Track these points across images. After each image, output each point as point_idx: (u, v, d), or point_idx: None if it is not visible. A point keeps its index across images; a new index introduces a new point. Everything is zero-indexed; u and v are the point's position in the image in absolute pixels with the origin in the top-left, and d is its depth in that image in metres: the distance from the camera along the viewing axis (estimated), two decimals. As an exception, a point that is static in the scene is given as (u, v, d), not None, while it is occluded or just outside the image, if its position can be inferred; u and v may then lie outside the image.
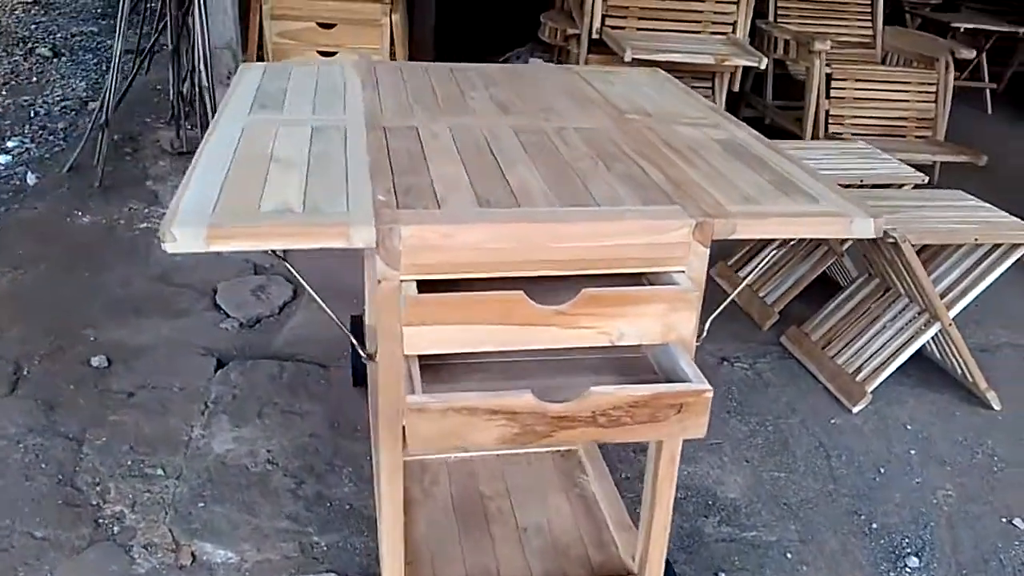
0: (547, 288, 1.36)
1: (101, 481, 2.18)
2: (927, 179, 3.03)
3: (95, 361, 2.66)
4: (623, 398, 1.28)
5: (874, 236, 1.40)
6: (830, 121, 4.50)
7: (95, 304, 2.99)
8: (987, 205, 2.76)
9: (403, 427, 1.27)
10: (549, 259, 1.35)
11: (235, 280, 3.20)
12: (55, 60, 5.38)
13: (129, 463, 2.24)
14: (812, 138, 4.46)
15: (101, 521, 2.06)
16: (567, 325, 1.32)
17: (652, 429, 1.32)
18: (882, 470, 2.41)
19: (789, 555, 2.08)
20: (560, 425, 1.28)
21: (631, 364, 1.47)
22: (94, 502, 2.11)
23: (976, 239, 2.54)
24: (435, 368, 1.40)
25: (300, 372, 2.67)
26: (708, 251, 1.39)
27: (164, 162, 4.01)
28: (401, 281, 1.32)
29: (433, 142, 1.67)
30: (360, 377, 2.56)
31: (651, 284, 1.40)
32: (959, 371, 2.75)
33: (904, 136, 4.59)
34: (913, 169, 3.09)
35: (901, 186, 3.02)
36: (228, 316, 2.99)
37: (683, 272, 1.39)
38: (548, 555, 1.80)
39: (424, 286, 1.32)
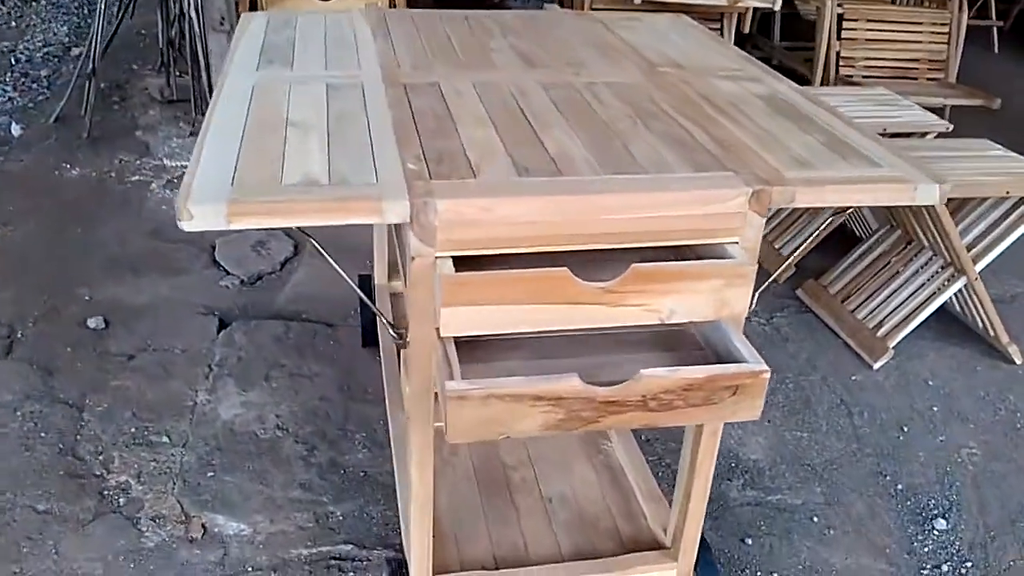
0: (589, 263, 1.27)
1: (104, 450, 2.10)
2: (951, 127, 2.93)
3: (92, 322, 2.57)
4: (677, 381, 1.21)
5: (938, 203, 1.32)
6: (841, 63, 4.38)
7: (89, 262, 2.88)
8: (1014, 155, 2.67)
9: (443, 415, 1.19)
10: (595, 232, 1.26)
11: (234, 235, 3.09)
12: (34, 3, 5.14)
13: (133, 430, 2.17)
14: (822, 81, 4.34)
15: (106, 493, 1.99)
16: (614, 303, 1.24)
17: (705, 412, 1.24)
18: (905, 428, 2.36)
19: (816, 519, 2.04)
20: (608, 410, 1.20)
21: (674, 338, 1.40)
22: (98, 472, 2.04)
23: (1008, 192, 2.46)
24: (469, 345, 1.31)
25: (306, 332, 2.58)
26: (763, 221, 1.30)
27: (154, 111, 3.85)
28: (436, 258, 1.22)
29: (458, 101, 1.56)
30: (370, 338, 2.48)
31: (699, 257, 1.31)
32: (980, 324, 2.69)
33: (916, 79, 4.47)
34: (935, 116, 2.99)
35: (924, 134, 2.92)
36: (228, 273, 2.88)
37: (736, 243, 1.30)
38: (575, 528, 1.75)
39: (460, 263, 1.23)
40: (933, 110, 3.21)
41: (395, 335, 1.34)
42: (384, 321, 1.36)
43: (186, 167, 1.26)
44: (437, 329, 1.27)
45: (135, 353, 2.46)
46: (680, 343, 1.39)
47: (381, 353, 2.27)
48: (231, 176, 1.20)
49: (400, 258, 1.47)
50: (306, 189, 1.19)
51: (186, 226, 1.13)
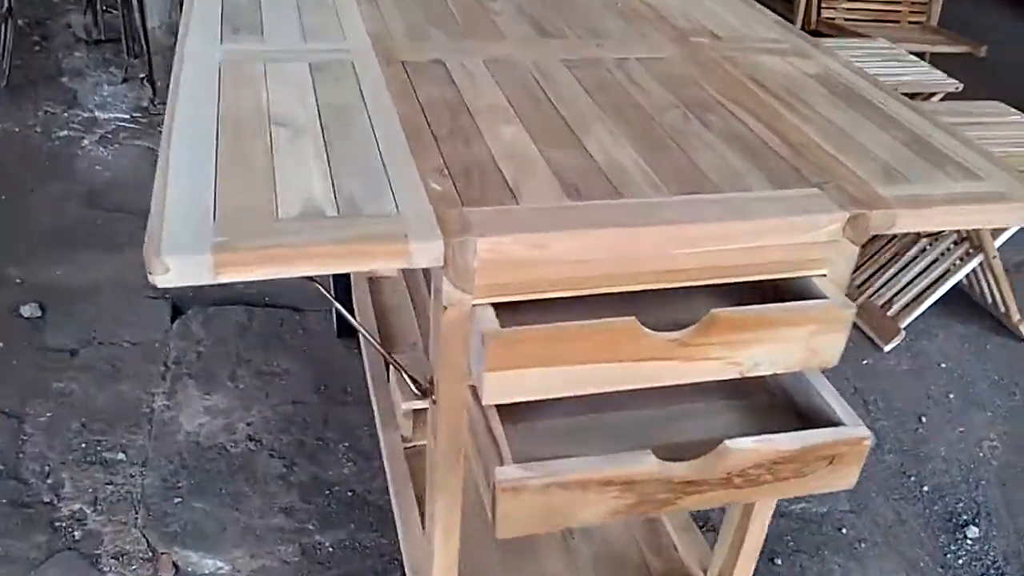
0: (643, 304, 1.05)
1: (52, 470, 1.84)
2: (961, 86, 2.74)
3: (26, 310, 2.26)
4: (768, 454, 1.01)
5: (1054, 226, 1.12)
6: (823, 4, 4.15)
7: (17, 237, 2.55)
8: (1033, 120, 2.50)
9: (489, 504, 0.97)
10: (665, 270, 1.03)
11: (181, 201, 2.77)
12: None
13: (83, 445, 1.90)
14: (803, 26, 4.11)
15: (58, 524, 1.74)
16: (689, 357, 1.02)
17: (795, 486, 1.05)
18: (923, 419, 2.23)
19: (844, 530, 1.90)
20: (686, 491, 1.00)
21: (741, 383, 1.19)
22: (47, 499, 1.78)
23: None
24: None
25: (272, 320, 2.32)
26: (857, 250, 1.09)
27: (79, 52, 3.44)
28: (474, 306, 0.99)
29: (471, 85, 1.29)
30: (345, 328, 2.23)
31: (781, 293, 1.10)
32: (990, 301, 2.56)
33: (898, 22, 4.28)
34: (943, 74, 2.80)
35: (931, 95, 2.74)
36: (178, 248, 2.58)
37: (824, 276, 1.09)
38: (600, 566, 1.56)
39: (500, 308, 1.00)
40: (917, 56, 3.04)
41: (417, 392, 1.10)
42: (404, 375, 1.12)
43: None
44: (472, 386, 1.05)
45: (78, 347, 2.17)
46: (747, 386, 1.19)
47: (361, 350, 2.03)
48: (211, 205, 0.94)
49: (413, 292, 1.23)
50: (310, 225, 0.93)
51: (159, 281, 0.87)
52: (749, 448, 1.00)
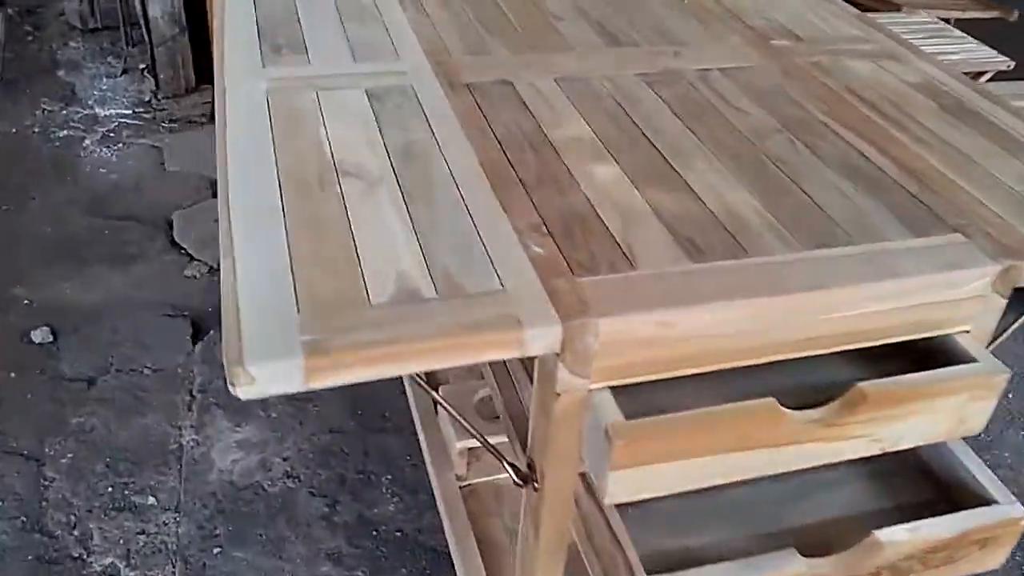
0: (762, 373, 0.93)
1: (78, 520, 1.72)
2: (1012, 64, 2.60)
3: (37, 336, 2.12)
4: (921, 544, 0.89)
5: None
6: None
7: (21, 251, 2.40)
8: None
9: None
10: (798, 339, 0.91)
11: (192, 206, 2.62)
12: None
13: (109, 489, 1.78)
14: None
15: (90, 580, 1.62)
16: (830, 437, 0.90)
17: (943, 573, 0.94)
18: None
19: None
20: (833, 589, 0.89)
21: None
22: (75, 553, 1.66)
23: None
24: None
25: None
26: (1004, 304, 0.97)
27: (75, 42, 3.26)
28: (590, 391, 0.86)
29: (547, 111, 1.16)
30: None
31: (922, 354, 0.97)
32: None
33: (922, -14, 4.11)
34: (993, 51, 2.66)
35: (980, 74, 2.60)
36: (193, 259, 2.44)
37: (967, 332, 0.97)
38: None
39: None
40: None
41: (518, 480, 0.97)
42: (504, 463, 0.99)
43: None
44: (583, 474, 0.93)
45: (95, 376, 2.04)
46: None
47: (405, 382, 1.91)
48: (291, 294, 0.80)
49: (512, 371, 1.10)
50: (408, 312, 0.80)
51: (243, 392, 0.74)
52: (902, 540, 0.89)
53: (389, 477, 1.85)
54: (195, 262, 2.42)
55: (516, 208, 0.95)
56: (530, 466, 0.97)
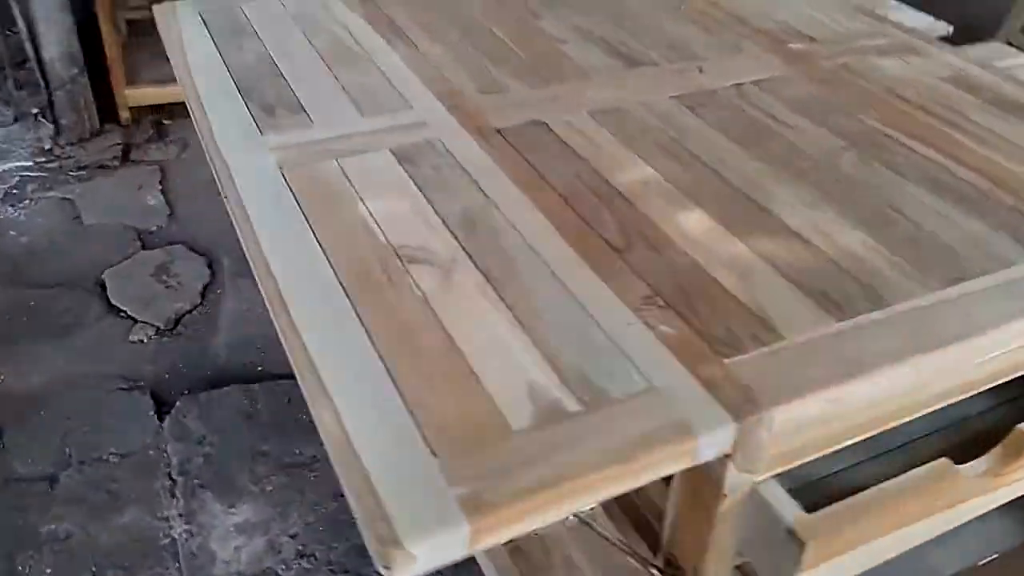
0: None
1: (73, 645, 1.52)
2: (951, 29, 2.62)
3: (-23, 434, 1.88)
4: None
5: None
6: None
7: (-61, 338, 2.13)
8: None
9: None
10: (952, 387, 0.83)
11: (123, 262, 2.39)
12: None
13: (101, 604, 1.59)
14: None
15: None
16: (996, 487, 0.83)
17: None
18: None
19: None
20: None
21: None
22: None
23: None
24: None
25: (278, 397, 2.01)
26: None
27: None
28: (755, 483, 0.76)
29: (594, 150, 1.04)
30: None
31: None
32: None
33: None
34: (929, 16, 2.67)
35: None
36: (136, 321, 2.21)
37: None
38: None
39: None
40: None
41: (655, 571, 0.87)
42: (651, 570, 0.88)
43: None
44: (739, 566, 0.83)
45: (56, 472, 1.82)
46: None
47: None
48: (415, 432, 0.67)
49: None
50: (560, 435, 0.68)
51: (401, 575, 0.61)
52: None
53: (409, 540, 1.71)
54: (139, 324, 2.20)
55: (618, 279, 0.84)
56: (669, 562, 0.87)
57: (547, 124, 1.10)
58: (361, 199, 0.93)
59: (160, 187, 2.71)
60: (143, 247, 2.43)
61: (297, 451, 1.88)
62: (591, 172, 1.01)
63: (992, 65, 1.31)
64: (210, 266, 2.39)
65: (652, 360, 0.75)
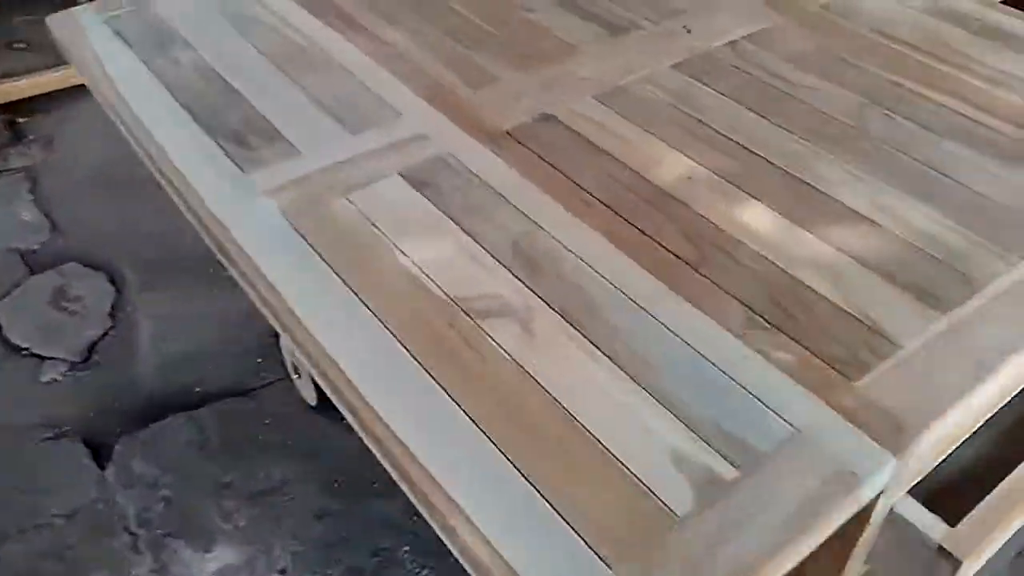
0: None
1: None
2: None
3: None
4: None
5: None
6: None
7: None
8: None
9: None
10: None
11: (12, 293, 2.12)
12: None
13: None
14: None
15: None
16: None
17: None
18: None
19: None
20: None
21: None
22: None
23: None
24: None
25: (226, 420, 1.84)
26: None
27: None
28: (894, 504, 0.72)
29: (618, 143, 0.95)
30: (323, 395, 1.82)
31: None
32: None
33: None
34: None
35: None
36: (44, 358, 1.97)
37: None
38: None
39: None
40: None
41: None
42: None
43: None
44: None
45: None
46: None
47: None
48: (573, 541, 0.58)
49: None
50: (729, 511, 0.60)
51: None
52: None
53: (407, 550, 1.63)
54: (48, 361, 1.96)
55: (707, 300, 0.77)
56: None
57: (555, 117, 0.99)
58: (394, 244, 0.81)
59: (32, 197, 2.41)
60: (31, 271, 2.16)
61: (262, 475, 1.74)
62: (623, 169, 0.92)
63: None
64: (112, 281, 2.15)
65: (782, 397, 0.68)
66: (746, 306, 0.76)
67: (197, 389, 1.94)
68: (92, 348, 2.03)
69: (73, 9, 1.16)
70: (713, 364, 0.71)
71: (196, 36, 1.10)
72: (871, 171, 0.92)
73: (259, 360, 1.97)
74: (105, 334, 2.07)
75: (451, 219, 0.84)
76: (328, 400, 1.74)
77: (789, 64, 1.09)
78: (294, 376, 1.76)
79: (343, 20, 1.15)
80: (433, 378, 0.68)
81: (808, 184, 0.90)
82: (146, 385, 1.94)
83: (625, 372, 0.70)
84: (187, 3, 1.17)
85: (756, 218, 0.86)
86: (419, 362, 0.69)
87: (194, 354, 2.00)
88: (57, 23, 1.13)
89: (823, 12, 1.20)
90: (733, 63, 1.10)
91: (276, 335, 1.57)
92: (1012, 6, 1.31)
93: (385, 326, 0.72)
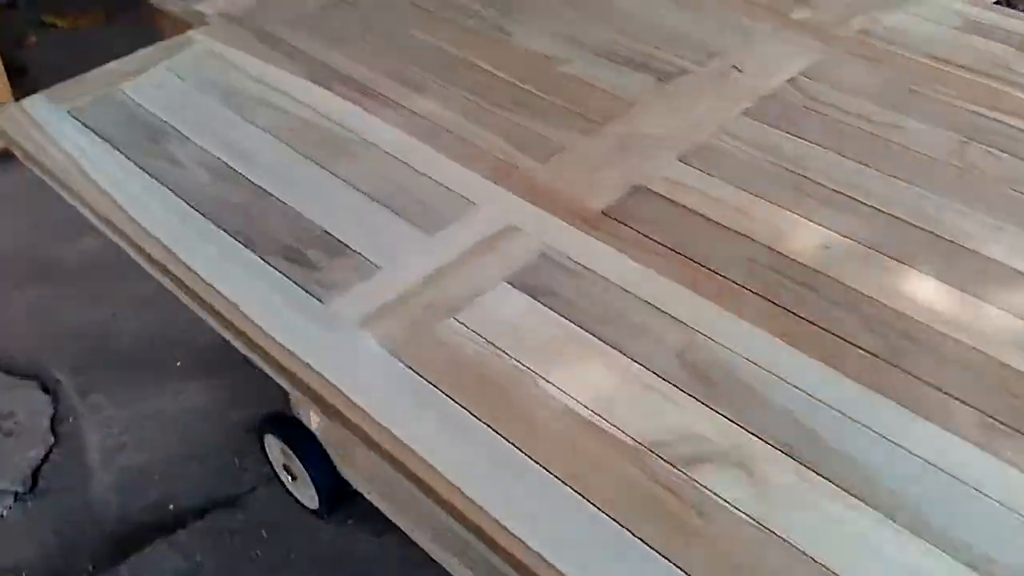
0: None
1: None
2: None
3: None
4: None
5: None
6: None
7: None
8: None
9: None
10: None
11: (-73, 417, 1.83)
12: None
13: None
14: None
15: None
16: None
17: None
18: None
19: None
20: None
21: None
22: None
23: None
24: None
25: (214, 537, 1.62)
26: None
27: None
28: None
29: (728, 214, 0.85)
30: (330, 494, 1.62)
31: None
32: None
33: None
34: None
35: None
36: (-21, 491, 1.71)
37: None
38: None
39: None
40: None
41: None
42: None
43: None
44: None
45: None
46: None
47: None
48: None
49: None
50: None
51: None
52: None
53: None
54: (-14, 494, 1.70)
55: (928, 406, 0.67)
56: None
57: (648, 188, 0.87)
58: (537, 374, 0.67)
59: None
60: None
61: (267, 599, 1.55)
62: (751, 245, 0.81)
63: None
64: (46, 389, 1.88)
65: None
66: (974, 408, 0.66)
67: (171, 506, 1.72)
68: (37, 472, 1.77)
69: (22, 102, 0.95)
70: (984, 495, 0.60)
71: (190, 126, 0.91)
72: (1004, 218, 0.84)
73: (236, 460, 1.76)
74: (48, 453, 1.81)
75: (592, 335, 0.70)
76: (331, 500, 1.55)
77: (859, 99, 1.01)
78: (287, 479, 1.57)
79: (357, 90, 0.99)
80: (653, 550, 0.55)
81: (948, 240, 0.82)
82: (110, 510, 1.70)
83: (901, 526, 0.58)
84: (166, 87, 0.99)
85: (927, 293, 0.76)
86: (629, 530, 0.56)
87: (156, 464, 1.76)
88: (9, 120, 0.92)
89: (865, 38, 1.13)
90: (802, 103, 1.00)
91: (253, 428, 1.37)
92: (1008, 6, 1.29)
93: (562, 482, 0.58)
